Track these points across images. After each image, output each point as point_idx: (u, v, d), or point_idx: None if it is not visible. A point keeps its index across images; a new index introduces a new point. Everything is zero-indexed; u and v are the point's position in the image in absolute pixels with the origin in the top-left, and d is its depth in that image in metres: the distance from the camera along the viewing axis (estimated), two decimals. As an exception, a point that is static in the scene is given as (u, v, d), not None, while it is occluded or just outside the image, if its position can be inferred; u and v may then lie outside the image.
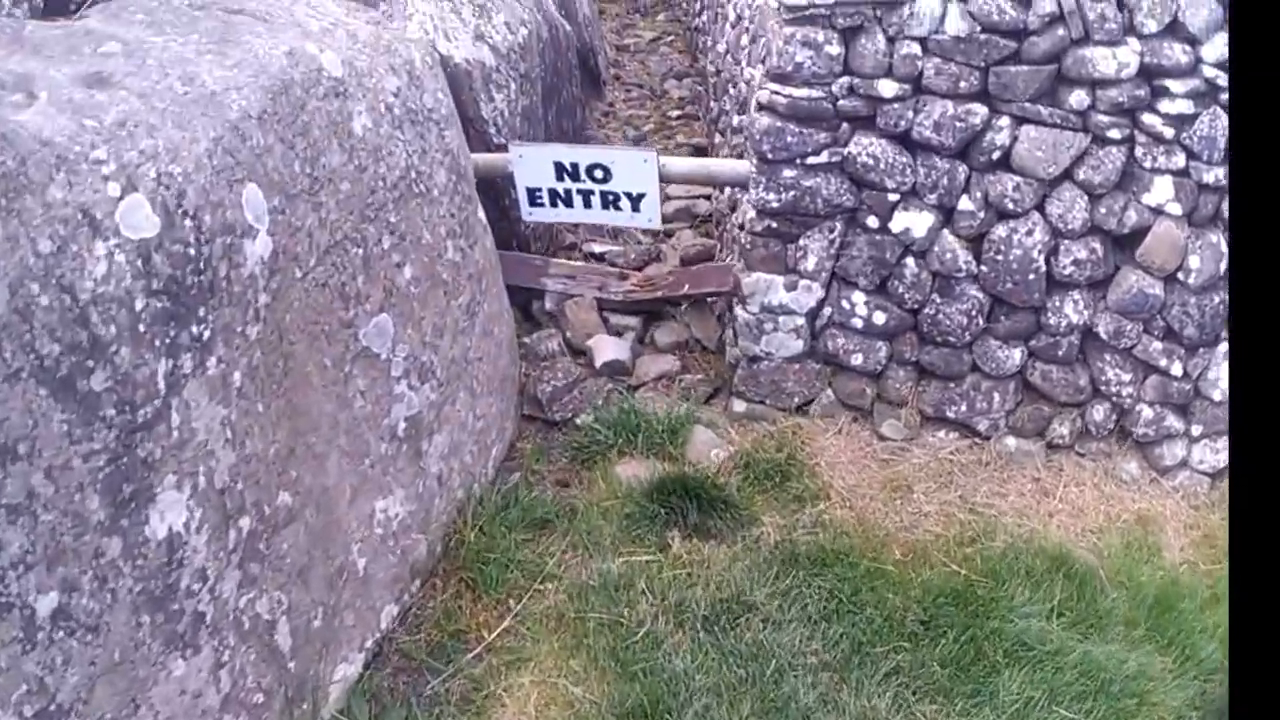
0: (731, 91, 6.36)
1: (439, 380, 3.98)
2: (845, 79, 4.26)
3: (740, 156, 5.65)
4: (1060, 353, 4.67)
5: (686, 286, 5.45)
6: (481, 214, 4.44)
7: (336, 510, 3.42)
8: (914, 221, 4.48)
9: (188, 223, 2.47)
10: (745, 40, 5.88)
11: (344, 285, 3.30)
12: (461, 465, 4.26)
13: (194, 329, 2.52)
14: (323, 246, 3.15)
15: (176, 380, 2.48)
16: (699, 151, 8.25)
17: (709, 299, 5.54)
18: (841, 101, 4.30)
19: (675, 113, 9.19)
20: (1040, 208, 4.45)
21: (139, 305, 2.33)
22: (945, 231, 4.52)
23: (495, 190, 5.57)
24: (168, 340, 2.44)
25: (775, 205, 4.47)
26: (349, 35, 3.65)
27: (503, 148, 5.60)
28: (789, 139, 4.32)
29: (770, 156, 4.36)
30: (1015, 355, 4.63)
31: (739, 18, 6.41)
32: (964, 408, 4.85)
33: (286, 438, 3.07)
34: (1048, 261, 4.50)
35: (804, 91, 4.25)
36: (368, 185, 3.41)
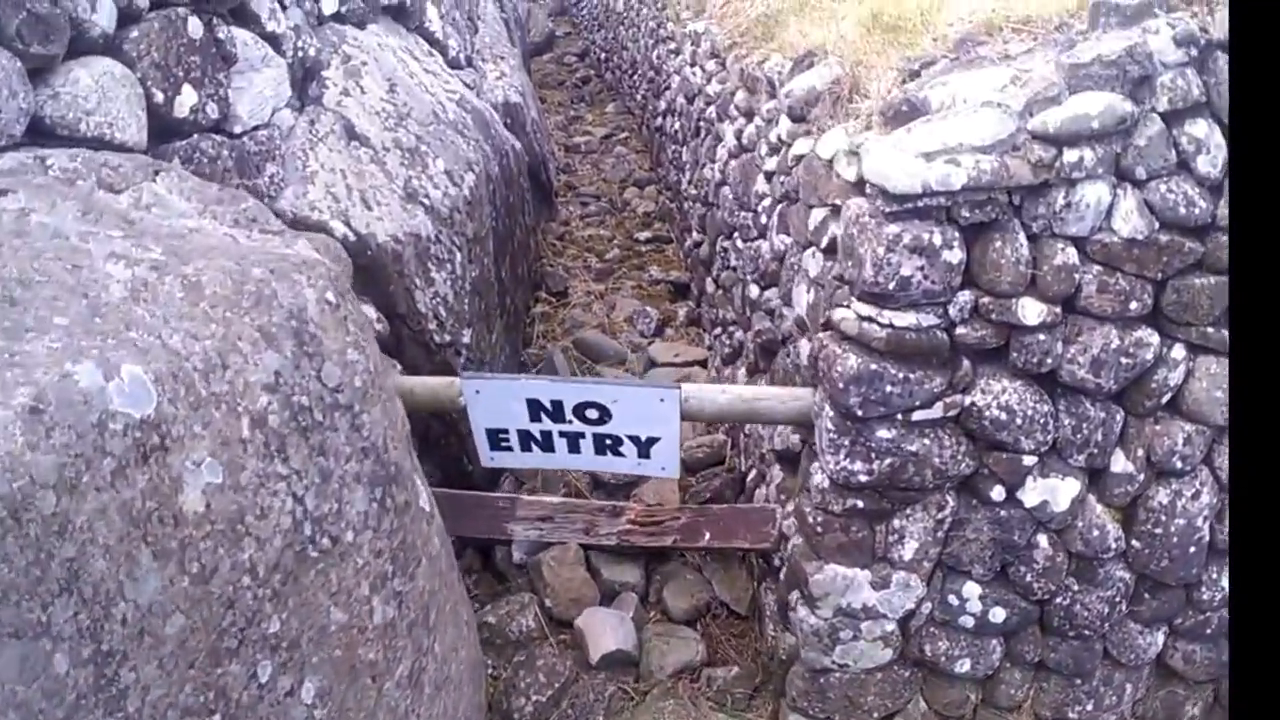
0: (741, 246, 4.94)
1: (363, 826, 2.40)
2: (967, 295, 2.86)
3: (768, 347, 4.23)
4: (1209, 630, 3.43)
5: (708, 536, 3.96)
6: (424, 498, 2.89)
7: None
8: (1054, 490, 3.09)
9: None
10: (764, 187, 4.48)
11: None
12: None
13: None
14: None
15: None
16: (679, 290, 6.83)
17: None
18: (962, 329, 2.88)
19: (643, 234, 7.77)
20: (1208, 459, 3.11)
21: None
22: (1091, 499, 3.14)
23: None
24: None
25: (864, 479, 3.01)
26: (184, 288, 2.12)
27: (447, 348, 4.08)
28: (888, 388, 2.87)
29: (861, 413, 2.91)
30: (1158, 639, 3.47)
31: (744, 147, 5.03)
32: (1089, 706, 3.56)
33: None
34: (1211, 527, 3.17)
35: (911, 318, 2.82)
36: (222, 599, 1.85)
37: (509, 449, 3.52)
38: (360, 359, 2.48)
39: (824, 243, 3.30)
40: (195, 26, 3.13)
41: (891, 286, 2.77)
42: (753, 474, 4.44)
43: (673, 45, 7.95)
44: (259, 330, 2.20)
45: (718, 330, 5.63)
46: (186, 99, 3.06)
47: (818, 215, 3.41)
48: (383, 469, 2.52)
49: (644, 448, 3.43)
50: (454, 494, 4.05)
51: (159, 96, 2.93)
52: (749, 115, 4.93)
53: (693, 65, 6.86)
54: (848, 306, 2.94)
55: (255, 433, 2.09)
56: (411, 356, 4.02)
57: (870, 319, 2.85)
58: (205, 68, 3.17)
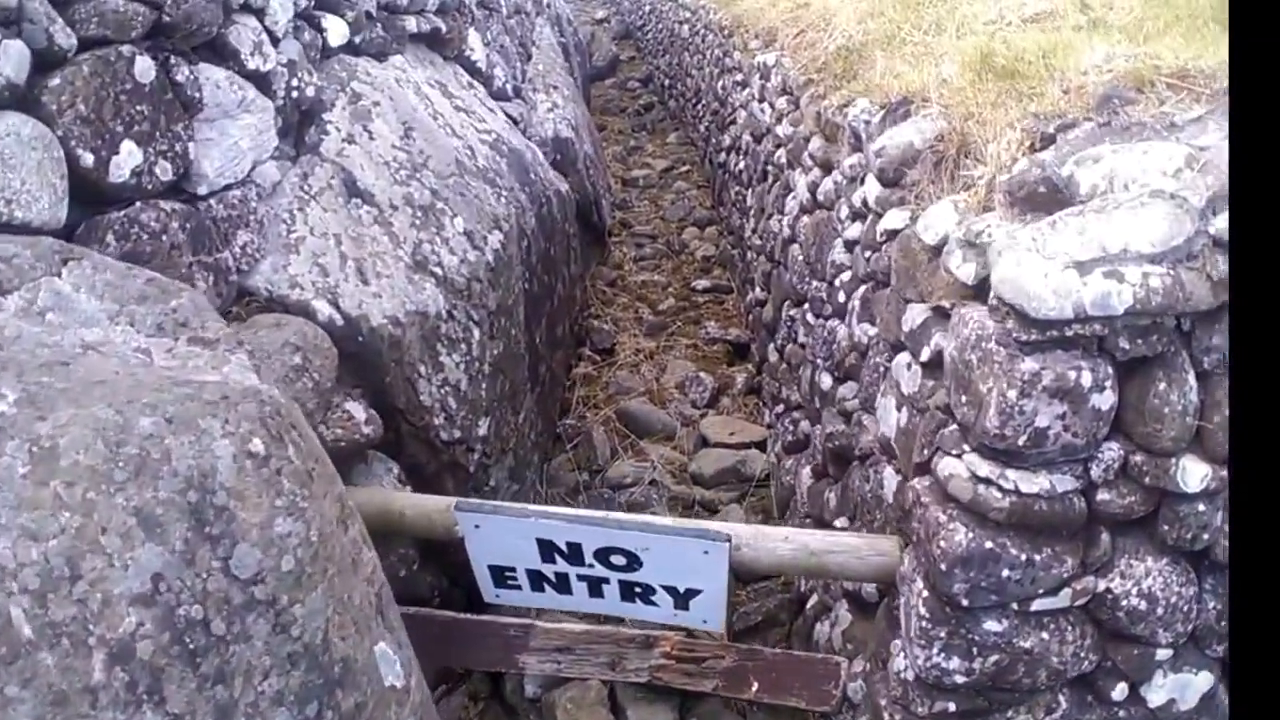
0: (811, 321, 4.23)
1: None
2: (1114, 450, 2.12)
3: (841, 454, 3.51)
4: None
5: (756, 687, 3.24)
6: (396, 673, 2.23)
7: None
8: (1185, 687, 2.39)
9: None
10: (842, 256, 3.78)
11: None
12: None
13: None
14: None
15: None
16: (738, 351, 6.12)
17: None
18: (1104, 494, 2.16)
19: (701, 282, 7.08)
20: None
21: None
22: (1221, 692, 2.43)
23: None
24: None
25: (961, 680, 2.28)
26: (32, 458, 1.52)
27: (456, 445, 3.45)
28: (1005, 572, 2.15)
29: (966, 602, 2.19)
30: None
31: (819, 203, 4.33)
32: None
33: None
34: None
35: (1043, 481, 2.10)
36: None
37: (516, 587, 2.87)
38: (295, 529, 1.84)
39: (924, 354, 2.58)
40: (145, 68, 2.54)
41: (1022, 441, 2.05)
42: (814, 600, 3.71)
43: (739, 77, 7.28)
44: (135, 513, 1.57)
45: (779, 408, 4.92)
46: (127, 159, 2.47)
47: (916, 314, 2.69)
48: (321, 674, 1.87)
49: (682, 599, 2.75)
50: (456, 619, 3.41)
51: (87, 159, 2.34)
52: (826, 167, 4.23)
53: (761, 101, 6.17)
54: (958, 457, 2.22)
55: (113, 673, 1.45)
56: (413, 454, 3.39)
57: (989, 481, 2.12)
58: (157, 118, 2.58)
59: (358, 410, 3.07)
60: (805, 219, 4.57)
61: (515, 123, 6.33)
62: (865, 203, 3.41)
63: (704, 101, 9.36)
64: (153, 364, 1.97)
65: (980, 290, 2.31)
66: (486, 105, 5.58)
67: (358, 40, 4.02)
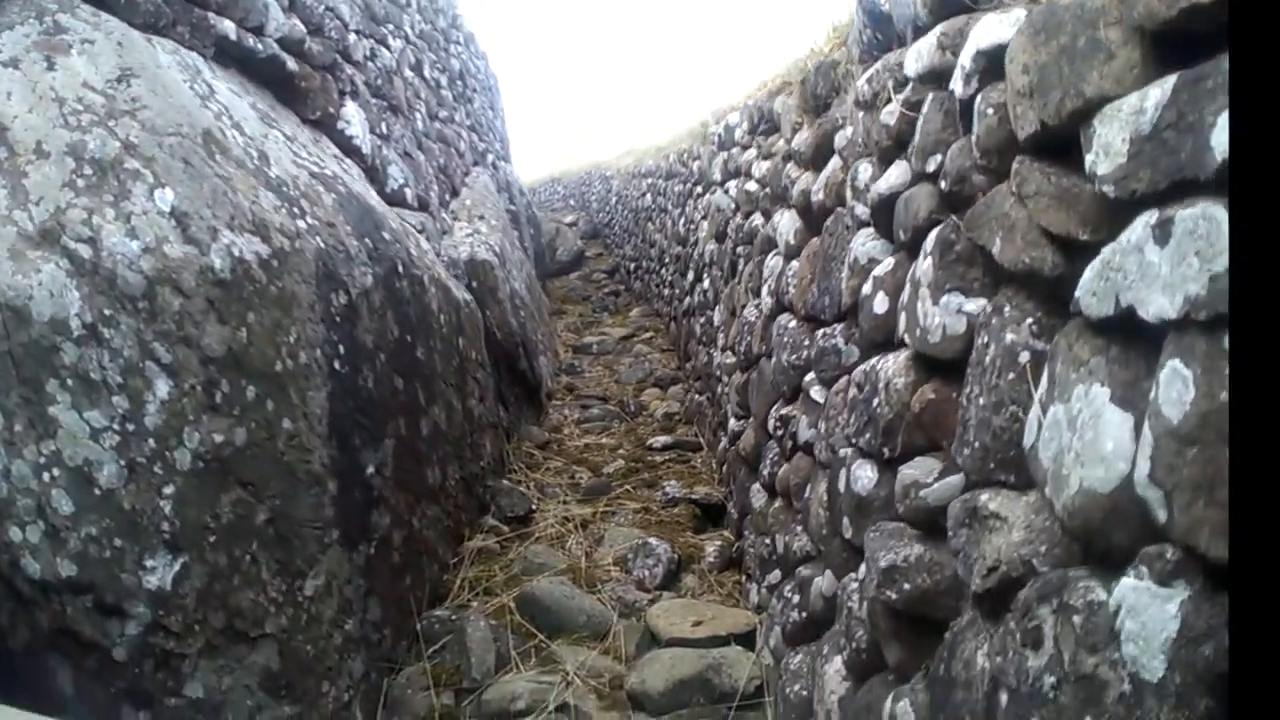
0: (821, 398, 2.47)
1: None
2: None
3: (921, 618, 1.63)
4: None
5: None
6: None
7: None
8: None
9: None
10: (871, 244, 2.08)
11: None
12: None
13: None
14: None
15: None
16: (708, 515, 4.26)
17: None
18: None
19: (661, 439, 5.28)
20: None
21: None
22: None
23: None
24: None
25: None
26: None
27: (64, 592, 1.56)
28: None
29: None
30: None
31: (822, 209, 2.70)
32: None
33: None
34: None
35: None
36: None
37: None
38: None
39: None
40: None
41: None
42: None
43: (699, 184, 5.89)
44: None
45: (774, 575, 3.02)
46: None
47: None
48: None
49: None
50: None
51: None
52: (821, 149, 2.63)
53: (724, 182, 4.70)
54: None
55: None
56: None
57: None
58: None
59: None
60: (796, 264, 2.92)
61: (419, 232, 4.81)
62: (968, 97, 1.77)
63: (669, 254, 7.99)
64: None
65: None
66: (353, 174, 4.05)
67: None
